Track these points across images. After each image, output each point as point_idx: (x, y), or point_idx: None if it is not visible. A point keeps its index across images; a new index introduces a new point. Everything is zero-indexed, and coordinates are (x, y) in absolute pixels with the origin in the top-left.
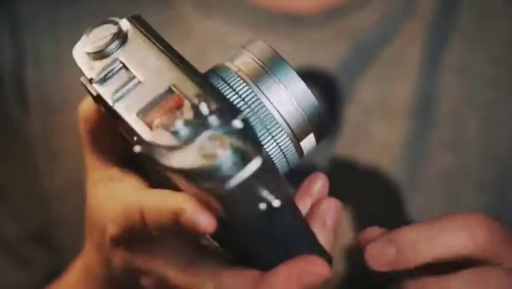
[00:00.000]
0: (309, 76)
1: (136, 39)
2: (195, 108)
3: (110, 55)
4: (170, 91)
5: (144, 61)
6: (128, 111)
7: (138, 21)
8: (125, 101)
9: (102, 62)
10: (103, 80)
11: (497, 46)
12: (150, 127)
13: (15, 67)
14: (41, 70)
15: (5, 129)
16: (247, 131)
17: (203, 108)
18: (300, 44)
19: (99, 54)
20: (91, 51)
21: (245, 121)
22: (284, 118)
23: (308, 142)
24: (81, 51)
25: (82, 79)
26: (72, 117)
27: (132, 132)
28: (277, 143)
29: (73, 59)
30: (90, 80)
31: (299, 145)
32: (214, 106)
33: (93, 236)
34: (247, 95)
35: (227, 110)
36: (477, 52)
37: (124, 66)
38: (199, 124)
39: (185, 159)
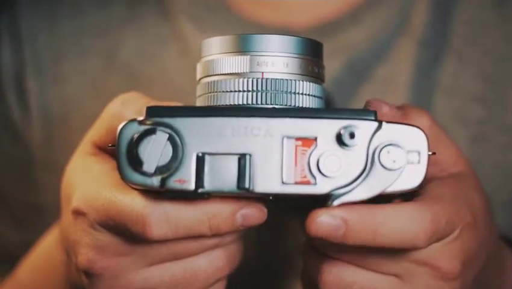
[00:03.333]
0: None
1: (185, 127)
2: (337, 137)
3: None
4: (286, 140)
5: (221, 137)
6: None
7: (159, 111)
8: (260, 182)
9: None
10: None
11: (487, 63)
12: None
13: (18, 78)
14: (41, 81)
15: (7, 136)
16: None
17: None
18: None
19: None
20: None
21: None
22: None
23: None
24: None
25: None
26: (71, 129)
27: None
28: None
29: (73, 71)
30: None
31: None
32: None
33: (63, 202)
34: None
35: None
36: (468, 68)
37: (214, 154)
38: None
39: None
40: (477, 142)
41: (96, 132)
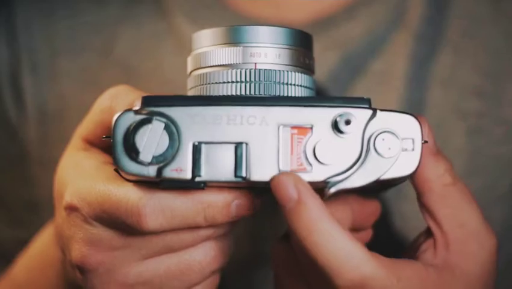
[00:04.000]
0: None
1: (181, 116)
2: (332, 125)
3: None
4: (282, 128)
5: (217, 126)
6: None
7: (155, 101)
8: (257, 170)
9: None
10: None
11: (484, 56)
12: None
13: (13, 75)
14: (37, 78)
15: (3, 133)
16: None
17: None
18: None
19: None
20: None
21: None
22: None
23: None
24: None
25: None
26: (67, 126)
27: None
28: None
29: (69, 68)
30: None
31: None
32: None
33: (56, 198)
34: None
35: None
36: (465, 62)
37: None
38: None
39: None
40: (474, 135)
41: (85, 127)
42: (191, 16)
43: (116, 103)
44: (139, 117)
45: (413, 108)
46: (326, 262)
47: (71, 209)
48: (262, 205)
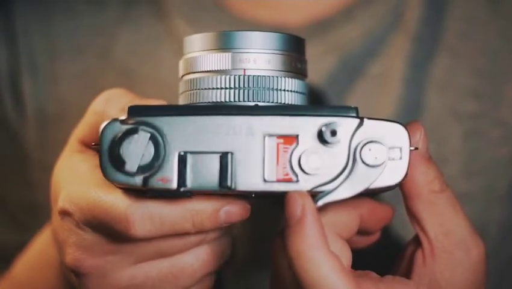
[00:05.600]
0: None
1: (166, 126)
2: (318, 134)
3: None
4: (268, 138)
5: (203, 136)
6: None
7: (141, 111)
8: (243, 180)
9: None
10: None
11: (481, 58)
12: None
13: (13, 77)
14: (37, 80)
15: (3, 136)
16: None
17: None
18: None
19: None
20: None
21: None
22: None
23: None
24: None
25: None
26: (67, 129)
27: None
28: None
29: (69, 71)
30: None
31: None
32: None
33: (52, 201)
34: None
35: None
36: (461, 64)
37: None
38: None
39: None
40: (471, 137)
41: (81, 129)
42: (189, 19)
43: (110, 106)
44: (125, 127)
45: (411, 110)
46: (306, 286)
47: (65, 214)
48: (263, 209)
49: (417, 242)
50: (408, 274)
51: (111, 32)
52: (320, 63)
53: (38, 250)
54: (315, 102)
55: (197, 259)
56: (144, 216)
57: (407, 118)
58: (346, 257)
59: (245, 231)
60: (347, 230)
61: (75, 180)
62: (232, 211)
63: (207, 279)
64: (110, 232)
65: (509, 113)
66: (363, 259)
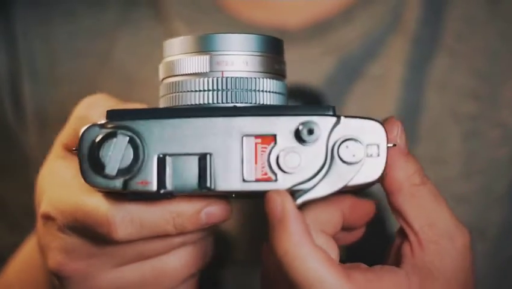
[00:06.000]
0: (297, 92)
1: (145, 129)
2: (295, 133)
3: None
4: (246, 138)
5: (182, 138)
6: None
7: (120, 115)
8: (222, 180)
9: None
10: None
11: (480, 59)
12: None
13: (13, 80)
14: (36, 84)
15: (3, 139)
16: None
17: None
18: (287, 60)
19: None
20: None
21: None
22: None
23: None
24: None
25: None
26: None
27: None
28: None
29: (68, 74)
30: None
31: None
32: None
33: (36, 206)
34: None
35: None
36: (460, 65)
37: (175, 155)
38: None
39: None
40: (470, 138)
41: (64, 134)
42: (188, 21)
43: (92, 111)
44: (104, 131)
45: (410, 111)
46: (300, 284)
47: (47, 218)
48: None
49: (402, 235)
50: (397, 265)
51: (110, 35)
52: (319, 64)
53: (28, 253)
54: (314, 103)
55: (179, 260)
56: (125, 219)
57: (406, 119)
58: (333, 252)
59: (245, 231)
60: (331, 227)
61: (58, 184)
62: (213, 212)
63: (190, 280)
64: (92, 235)
65: (508, 114)
66: (360, 258)
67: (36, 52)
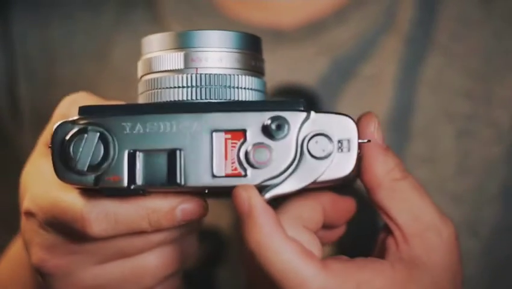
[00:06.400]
0: (290, 92)
1: (116, 125)
2: (265, 129)
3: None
4: (215, 134)
5: (152, 134)
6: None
7: (91, 111)
8: (192, 176)
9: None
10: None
11: (473, 59)
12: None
13: (9, 82)
14: (33, 85)
15: None
16: None
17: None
18: (281, 60)
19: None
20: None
21: None
22: None
23: None
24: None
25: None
26: None
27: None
28: None
29: (65, 75)
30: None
31: None
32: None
33: (20, 203)
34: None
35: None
36: (454, 64)
37: (146, 150)
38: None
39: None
40: (463, 137)
41: (47, 132)
42: (184, 22)
43: (74, 109)
44: (75, 127)
45: (403, 110)
46: (275, 276)
47: (29, 214)
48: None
49: (387, 230)
50: (381, 258)
51: (107, 37)
52: (312, 64)
53: (18, 250)
54: (308, 103)
55: (159, 259)
56: (99, 215)
57: (399, 119)
58: (316, 248)
59: (239, 230)
60: (313, 223)
61: (39, 182)
62: (188, 208)
63: (171, 279)
64: (70, 231)
65: (501, 113)
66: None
67: (33, 53)
